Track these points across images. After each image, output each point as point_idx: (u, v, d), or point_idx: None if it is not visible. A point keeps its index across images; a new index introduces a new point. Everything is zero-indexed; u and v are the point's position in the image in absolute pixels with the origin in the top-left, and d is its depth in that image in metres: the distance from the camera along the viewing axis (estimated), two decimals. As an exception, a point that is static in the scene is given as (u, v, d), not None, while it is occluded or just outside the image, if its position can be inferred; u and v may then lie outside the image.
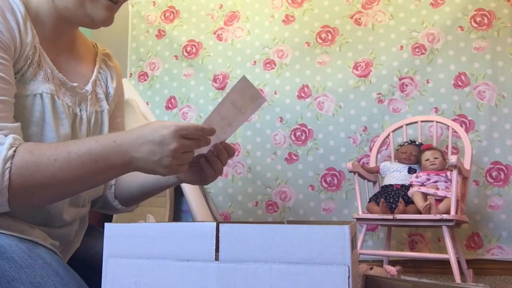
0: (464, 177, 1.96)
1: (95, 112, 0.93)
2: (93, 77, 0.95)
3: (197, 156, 0.83)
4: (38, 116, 0.79)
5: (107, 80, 1.00)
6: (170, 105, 2.76)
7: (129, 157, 0.73)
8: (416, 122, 2.26)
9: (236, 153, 2.61)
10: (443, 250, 2.13)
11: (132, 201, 1.03)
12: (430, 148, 2.10)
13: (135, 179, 1.00)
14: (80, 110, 0.89)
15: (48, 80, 0.81)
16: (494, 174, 2.28)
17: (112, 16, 0.86)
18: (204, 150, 0.84)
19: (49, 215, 0.83)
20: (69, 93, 0.87)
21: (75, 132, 0.87)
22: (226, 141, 0.89)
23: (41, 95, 0.79)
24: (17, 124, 0.73)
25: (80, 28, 0.95)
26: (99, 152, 0.72)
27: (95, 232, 1.02)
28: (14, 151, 0.68)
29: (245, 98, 0.79)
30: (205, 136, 0.77)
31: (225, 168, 2.60)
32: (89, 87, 0.92)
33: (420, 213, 1.86)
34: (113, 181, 1.02)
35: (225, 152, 0.87)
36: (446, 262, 1.79)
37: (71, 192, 0.77)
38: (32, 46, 0.79)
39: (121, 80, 1.05)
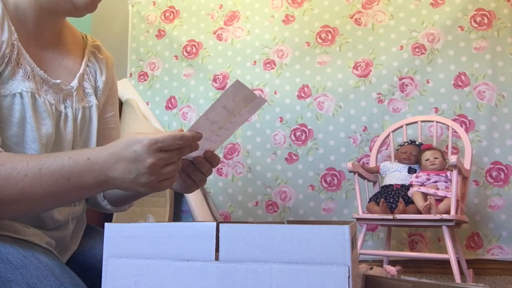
0: (464, 177, 1.96)
1: (82, 108, 0.89)
2: (80, 71, 0.91)
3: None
4: (18, 116, 0.76)
5: (95, 74, 0.95)
6: (170, 105, 2.76)
7: (104, 176, 0.68)
8: (416, 122, 2.26)
9: (236, 153, 2.61)
10: (443, 250, 2.13)
11: (120, 202, 0.99)
12: (430, 148, 2.10)
13: None
14: (65, 108, 0.86)
15: (28, 78, 0.78)
16: (494, 174, 2.28)
17: (95, 1, 0.82)
18: (194, 153, 0.77)
19: (41, 215, 0.81)
20: (52, 90, 0.83)
21: (59, 131, 0.84)
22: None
23: (20, 94, 0.76)
24: None
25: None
26: (72, 169, 0.67)
27: (94, 232, 1.00)
28: None
29: (236, 100, 0.73)
30: (188, 144, 0.70)
31: (225, 168, 2.62)
32: (75, 82, 0.88)
33: (420, 213, 1.86)
34: None
35: (207, 163, 0.81)
36: (446, 262, 1.79)
37: (42, 208, 0.73)
38: (9, 44, 0.76)
39: (112, 72, 1.01)
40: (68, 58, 0.90)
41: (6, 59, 0.76)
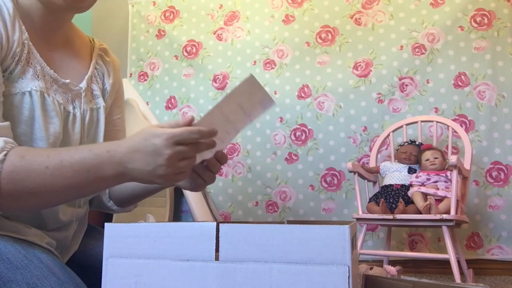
0: (464, 177, 1.96)
1: (90, 110, 0.90)
2: (89, 73, 0.92)
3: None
4: (27, 115, 0.77)
5: (103, 76, 0.97)
6: (170, 105, 2.76)
7: (122, 168, 0.70)
8: (416, 122, 2.26)
9: (236, 153, 2.61)
10: (443, 250, 2.13)
11: (126, 203, 1.01)
12: (430, 148, 2.10)
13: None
14: (74, 108, 0.87)
15: (38, 77, 0.79)
16: (494, 174, 2.28)
17: None
18: (208, 155, 0.78)
19: (43, 215, 0.81)
20: (61, 90, 0.84)
21: (67, 131, 0.85)
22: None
23: (30, 92, 0.77)
24: (6, 124, 0.71)
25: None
26: (92, 161, 0.69)
27: (94, 232, 1.01)
28: (5, 155, 0.66)
29: (254, 101, 0.72)
30: (205, 139, 0.71)
31: (225, 168, 2.61)
32: (83, 83, 0.90)
33: (420, 213, 1.86)
34: None
35: (217, 162, 0.82)
36: (446, 262, 1.79)
37: (62, 200, 0.75)
38: (20, 43, 0.77)
39: (118, 75, 1.02)
40: (77, 60, 0.92)
41: (16, 58, 0.77)
